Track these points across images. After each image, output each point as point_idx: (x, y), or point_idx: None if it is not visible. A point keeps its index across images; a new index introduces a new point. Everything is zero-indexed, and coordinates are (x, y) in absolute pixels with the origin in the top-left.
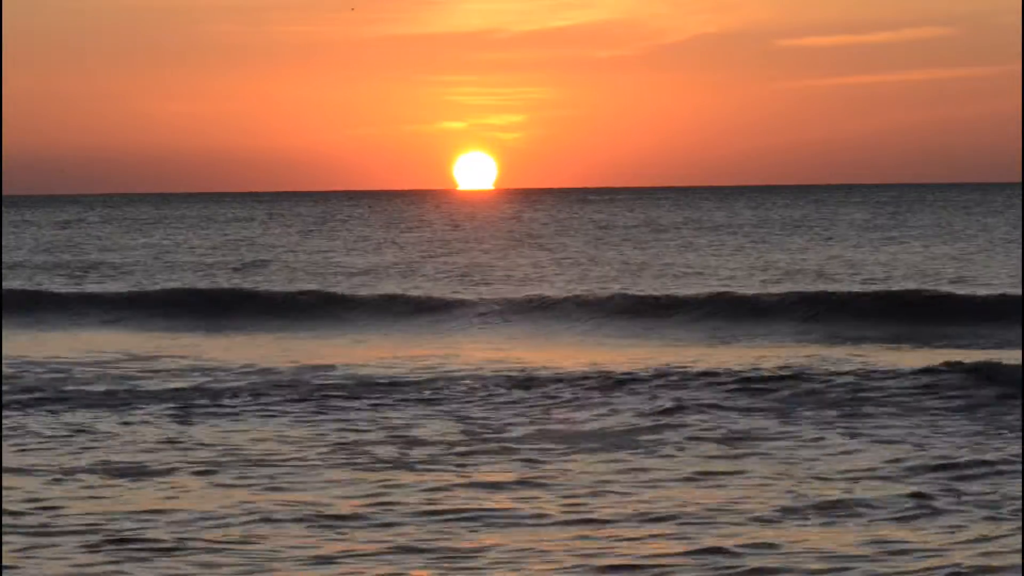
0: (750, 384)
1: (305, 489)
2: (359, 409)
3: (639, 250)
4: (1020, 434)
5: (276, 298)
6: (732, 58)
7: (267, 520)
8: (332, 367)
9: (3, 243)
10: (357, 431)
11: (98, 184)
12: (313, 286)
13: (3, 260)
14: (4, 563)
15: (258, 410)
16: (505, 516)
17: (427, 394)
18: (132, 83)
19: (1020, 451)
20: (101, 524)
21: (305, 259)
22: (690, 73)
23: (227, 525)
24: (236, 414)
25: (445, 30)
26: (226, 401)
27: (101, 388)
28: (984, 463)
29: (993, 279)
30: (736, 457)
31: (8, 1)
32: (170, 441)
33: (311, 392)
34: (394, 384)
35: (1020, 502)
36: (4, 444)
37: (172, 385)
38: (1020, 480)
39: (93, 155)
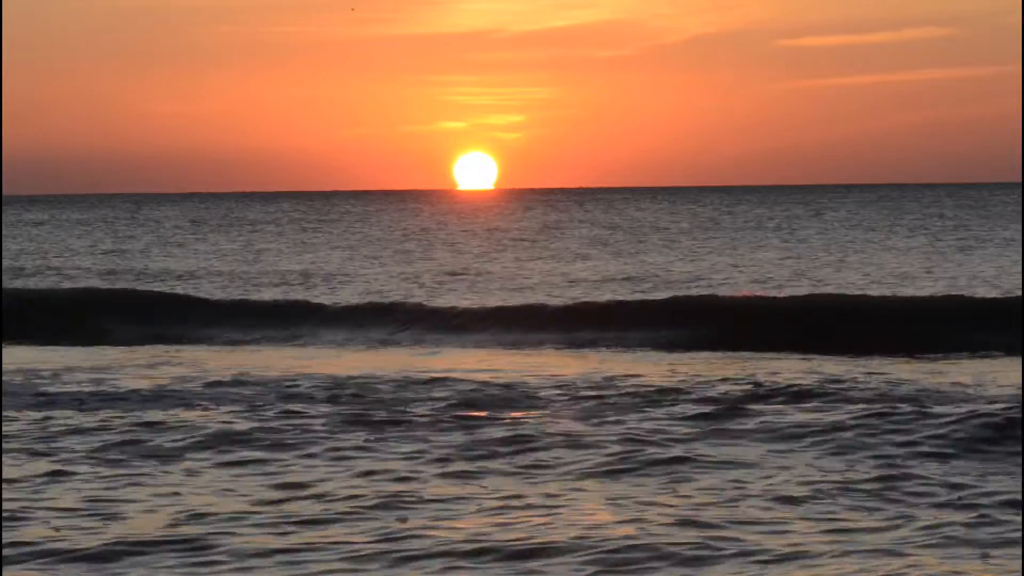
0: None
1: None
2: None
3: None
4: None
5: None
6: (732, 58)
7: None
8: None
9: None
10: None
11: (98, 184)
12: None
13: None
14: None
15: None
16: None
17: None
18: (130, 83)
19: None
20: None
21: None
22: (690, 73)
23: None
24: None
25: (445, 30)
26: None
27: None
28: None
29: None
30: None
31: (8, 1)
32: None
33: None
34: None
35: None
36: None
37: None
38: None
39: (93, 155)
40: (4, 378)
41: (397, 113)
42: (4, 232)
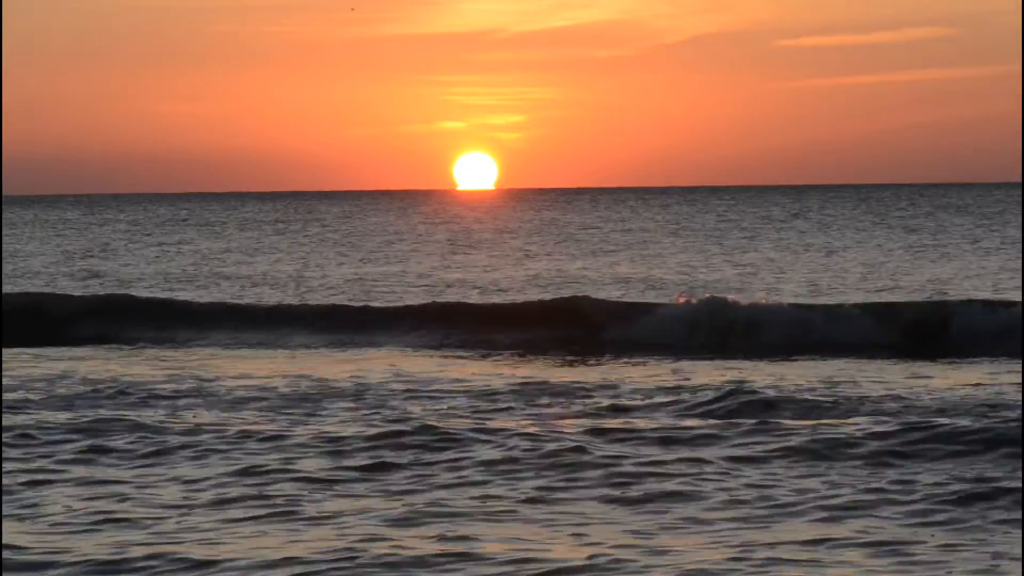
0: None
1: None
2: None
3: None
4: None
5: None
6: (732, 58)
7: None
8: None
9: None
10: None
11: (97, 184)
12: None
13: None
14: None
15: None
16: None
17: None
18: (131, 83)
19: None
20: None
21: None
22: (690, 73)
23: None
24: None
25: (445, 30)
26: None
27: None
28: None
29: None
30: None
31: (8, 1)
32: None
33: None
34: None
35: None
36: None
37: None
38: None
39: (93, 155)
40: None
41: (397, 113)
42: None
